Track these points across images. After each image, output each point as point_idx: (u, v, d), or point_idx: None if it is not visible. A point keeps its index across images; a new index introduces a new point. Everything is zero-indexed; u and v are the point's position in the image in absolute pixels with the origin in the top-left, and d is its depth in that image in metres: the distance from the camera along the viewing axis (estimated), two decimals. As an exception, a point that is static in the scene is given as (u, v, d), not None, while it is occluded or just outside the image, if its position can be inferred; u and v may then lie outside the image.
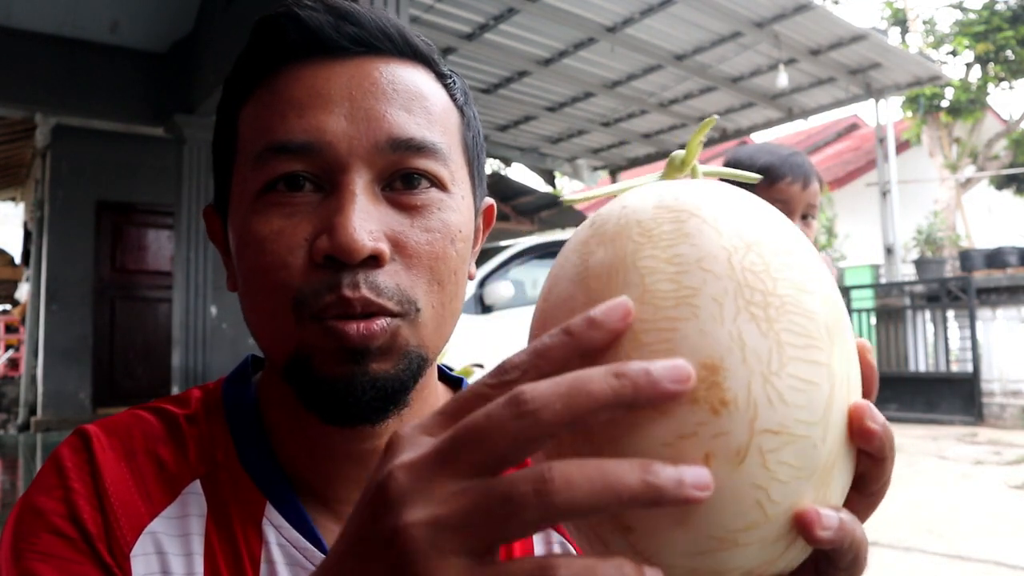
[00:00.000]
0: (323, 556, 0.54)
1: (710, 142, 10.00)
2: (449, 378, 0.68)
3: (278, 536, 0.56)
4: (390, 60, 0.56)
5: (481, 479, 0.29)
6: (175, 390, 6.47)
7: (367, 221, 0.51)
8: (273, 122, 0.53)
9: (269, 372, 0.62)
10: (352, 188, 0.52)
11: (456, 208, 0.56)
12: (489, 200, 0.66)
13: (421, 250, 0.54)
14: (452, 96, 0.59)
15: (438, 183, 0.55)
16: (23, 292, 9.51)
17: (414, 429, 0.33)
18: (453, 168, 0.57)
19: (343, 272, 0.51)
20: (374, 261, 0.51)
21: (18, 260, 10.84)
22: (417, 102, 0.55)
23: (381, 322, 0.52)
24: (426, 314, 0.54)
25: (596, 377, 0.29)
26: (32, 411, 7.59)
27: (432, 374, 0.62)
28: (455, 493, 0.29)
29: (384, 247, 0.52)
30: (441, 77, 0.59)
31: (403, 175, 0.54)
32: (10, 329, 11.12)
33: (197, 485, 0.56)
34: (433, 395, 0.63)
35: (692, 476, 0.29)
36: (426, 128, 0.55)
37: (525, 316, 5.90)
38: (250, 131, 0.55)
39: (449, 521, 0.29)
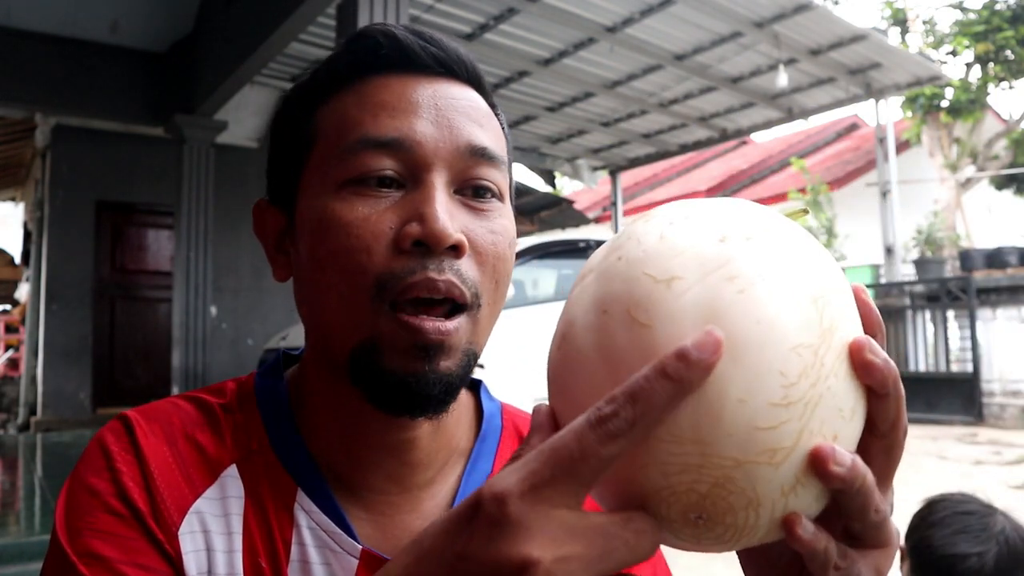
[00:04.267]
0: (351, 540, 0.59)
1: (709, 141, 9.99)
2: None
3: (308, 520, 0.59)
4: (464, 84, 0.63)
5: (567, 496, 0.34)
6: (175, 390, 6.47)
7: (449, 215, 0.57)
8: (364, 120, 0.58)
9: (304, 366, 0.66)
10: (436, 184, 0.57)
11: (510, 217, 0.63)
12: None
13: (488, 249, 0.59)
14: (501, 124, 0.67)
15: (499, 194, 0.62)
16: (23, 292, 9.51)
17: (536, 513, 0.35)
18: (508, 182, 0.64)
19: (428, 257, 0.55)
20: (454, 252, 0.56)
21: (18, 260, 10.84)
22: (487, 120, 0.62)
23: (456, 321, 0.57)
24: (484, 311, 0.59)
25: (654, 388, 0.33)
26: (32, 411, 7.59)
27: None
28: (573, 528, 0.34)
29: (464, 239, 0.57)
30: (493, 107, 0.66)
31: (473, 187, 0.60)
32: (10, 329, 11.12)
33: (234, 469, 0.60)
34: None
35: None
36: (495, 143, 0.62)
37: (525, 316, 5.89)
38: (335, 126, 0.60)
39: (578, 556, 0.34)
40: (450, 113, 0.59)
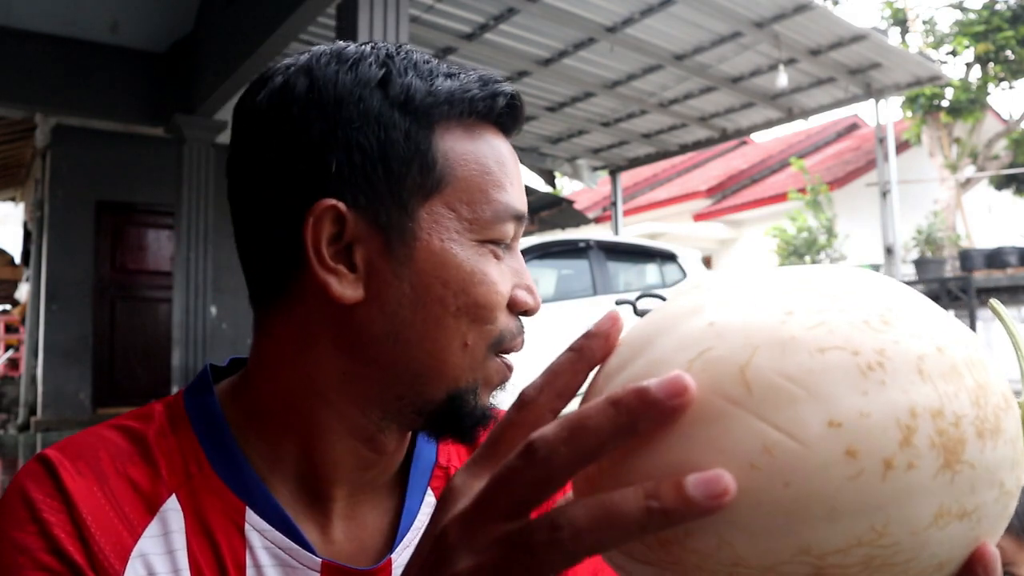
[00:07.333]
0: (309, 554, 0.56)
1: (709, 142, 9.99)
2: None
3: (262, 539, 0.56)
4: None
5: (511, 525, 0.33)
6: (175, 390, 6.46)
7: None
8: (503, 183, 0.59)
9: (254, 383, 0.61)
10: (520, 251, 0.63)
11: None
12: None
13: None
14: None
15: None
16: (23, 292, 9.51)
17: (464, 476, 0.37)
18: None
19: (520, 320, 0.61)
20: None
21: (18, 260, 10.84)
22: None
23: None
24: None
25: (594, 415, 0.31)
26: (32, 411, 7.59)
27: None
28: (491, 543, 0.33)
29: None
30: None
31: None
32: (10, 329, 11.12)
33: (173, 500, 0.56)
34: None
35: (700, 486, 0.29)
36: None
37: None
38: (475, 175, 0.58)
39: (488, 570, 0.33)
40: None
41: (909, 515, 0.30)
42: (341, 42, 0.61)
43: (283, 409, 0.60)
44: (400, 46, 0.60)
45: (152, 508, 0.55)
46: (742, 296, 0.35)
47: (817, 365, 0.31)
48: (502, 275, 0.59)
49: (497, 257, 0.59)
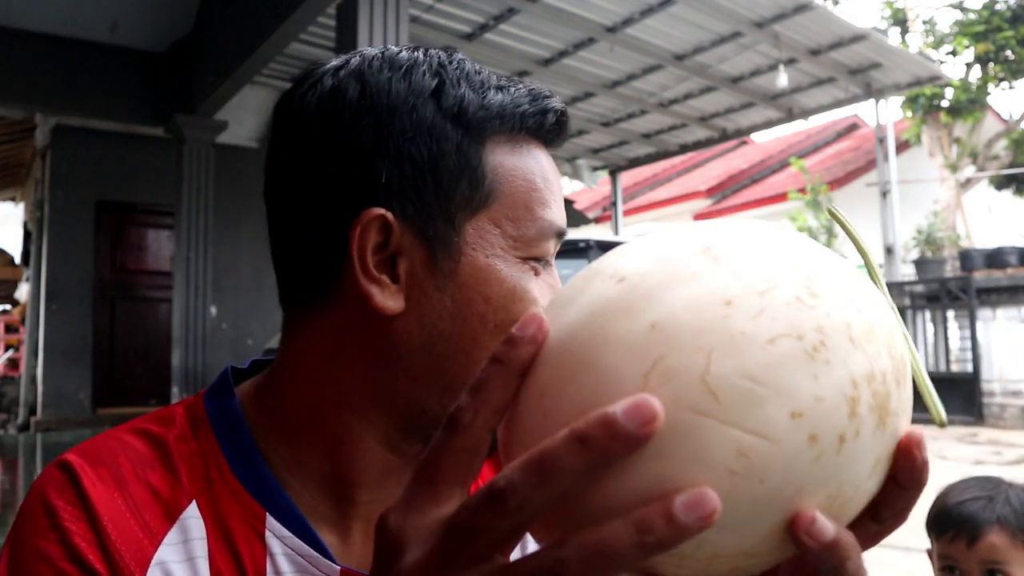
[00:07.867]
0: (328, 562, 0.56)
1: (709, 142, 9.99)
2: None
3: (282, 547, 0.56)
4: None
5: (483, 568, 0.32)
6: (175, 390, 6.47)
7: None
8: (547, 200, 0.59)
9: (281, 387, 0.61)
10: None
11: None
12: None
13: None
14: None
15: None
16: (23, 292, 9.51)
17: (404, 516, 0.35)
18: None
19: None
20: None
21: (18, 260, 10.84)
22: None
23: None
24: None
25: (564, 455, 0.30)
26: (32, 411, 7.60)
27: None
28: None
29: None
30: None
31: None
32: (10, 329, 11.13)
33: (194, 507, 0.55)
34: None
35: (689, 510, 0.29)
36: None
37: (525, 316, 5.88)
38: (521, 191, 0.58)
39: None
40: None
41: (856, 474, 0.33)
42: (393, 47, 0.60)
43: (310, 413, 0.59)
44: (452, 54, 0.59)
45: (172, 516, 0.54)
46: (667, 285, 0.34)
47: (772, 359, 0.31)
48: (541, 293, 0.58)
49: (537, 274, 0.58)
